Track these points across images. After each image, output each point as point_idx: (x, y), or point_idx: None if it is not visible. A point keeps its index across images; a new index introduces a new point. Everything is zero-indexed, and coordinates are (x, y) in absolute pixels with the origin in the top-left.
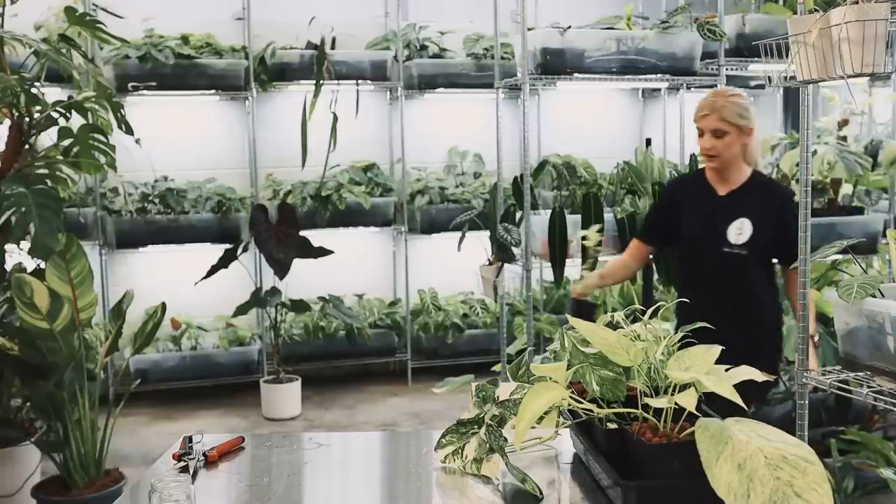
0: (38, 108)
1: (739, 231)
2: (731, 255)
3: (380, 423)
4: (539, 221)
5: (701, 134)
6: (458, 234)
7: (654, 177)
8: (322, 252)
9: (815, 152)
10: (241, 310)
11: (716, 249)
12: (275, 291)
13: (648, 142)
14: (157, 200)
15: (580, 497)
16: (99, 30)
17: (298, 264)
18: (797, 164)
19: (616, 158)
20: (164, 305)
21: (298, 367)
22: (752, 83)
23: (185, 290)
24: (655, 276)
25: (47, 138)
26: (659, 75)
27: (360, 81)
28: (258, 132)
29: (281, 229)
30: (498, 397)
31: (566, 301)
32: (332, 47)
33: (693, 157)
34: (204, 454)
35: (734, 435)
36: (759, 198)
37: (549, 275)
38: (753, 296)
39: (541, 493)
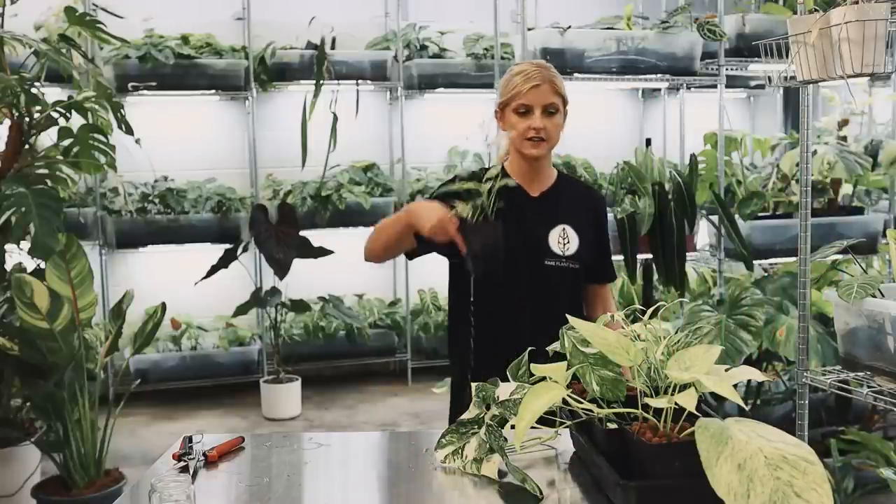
0: (38, 108)
1: (564, 239)
2: (555, 269)
3: (380, 423)
4: None
5: (525, 111)
6: None
7: (654, 177)
8: (322, 252)
9: (815, 152)
10: (241, 310)
11: (535, 263)
12: (275, 291)
13: (648, 142)
14: (157, 200)
15: (580, 497)
16: (99, 30)
17: (298, 264)
18: (797, 164)
19: (616, 158)
20: (164, 305)
21: (298, 367)
22: (752, 83)
23: (185, 290)
24: (655, 276)
25: (47, 138)
26: (659, 75)
27: (360, 81)
28: (258, 132)
29: (281, 229)
30: (498, 397)
31: None
32: (332, 47)
33: (693, 158)
34: (204, 454)
35: (734, 435)
36: (575, 201)
37: None
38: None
39: (541, 493)
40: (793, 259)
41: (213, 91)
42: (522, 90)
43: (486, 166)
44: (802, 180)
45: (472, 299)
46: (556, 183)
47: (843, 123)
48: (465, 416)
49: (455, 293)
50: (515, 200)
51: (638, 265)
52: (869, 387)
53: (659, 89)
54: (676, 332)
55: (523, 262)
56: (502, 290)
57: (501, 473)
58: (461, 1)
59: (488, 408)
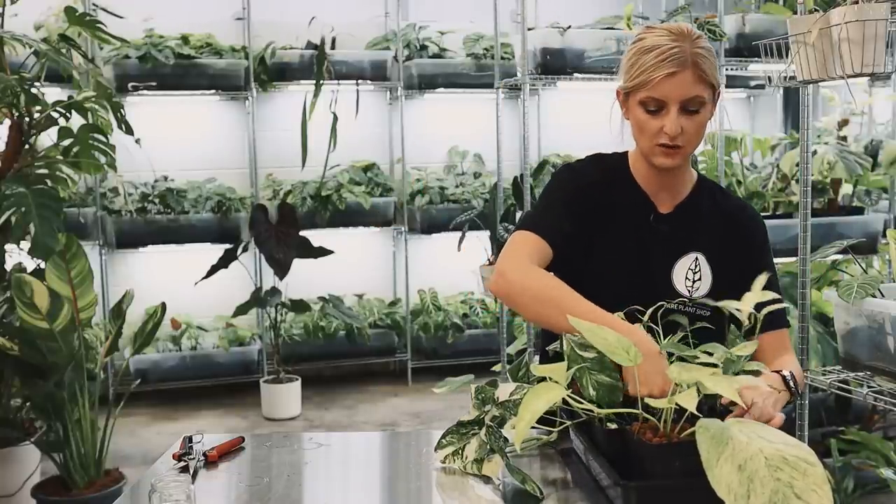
0: (38, 108)
1: (695, 274)
2: (679, 315)
3: (380, 423)
4: None
5: (657, 109)
6: (458, 234)
7: None
8: (322, 252)
9: (815, 152)
10: (241, 310)
11: (648, 303)
12: (275, 291)
13: None
14: (157, 200)
15: (580, 497)
16: (99, 30)
17: (298, 264)
18: (797, 164)
19: None
20: (164, 305)
21: (298, 367)
22: (752, 83)
23: (185, 290)
24: None
25: (47, 138)
26: None
27: (360, 81)
28: (258, 132)
29: (281, 229)
30: (498, 398)
31: None
32: (332, 47)
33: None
34: (204, 454)
35: (735, 436)
36: (716, 219)
37: None
38: None
39: (541, 493)
40: (793, 259)
41: (213, 91)
42: (653, 78)
43: (614, 152)
44: (802, 180)
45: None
46: (695, 192)
47: (843, 123)
48: (465, 416)
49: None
50: (637, 215)
51: None
52: (869, 387)
53: None
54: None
55: (636, 301)
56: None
57: (502, 473)
58: (461, 1)
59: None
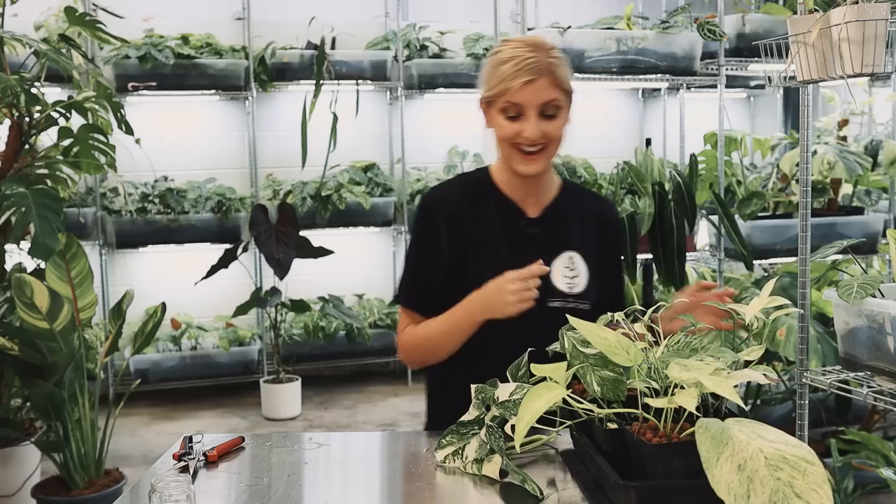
0: (38, 108)
1: (571, 272)
2: (560, 311)
3: (380, 423)
4: None
5: (516, 115)
6: None
7: (654, 177)
8: (322, 252)
9: (815, 152)
10: (241, 310)
11: (536, 304)
12: (275, 291)
13: (648, 142)
14: (157, 200)
15: (580, 497)
16: (99, 30)
17: (298, 264)
18: (797, 164)
19: (616, 158)
20: (164, 305)
21: (298, 367)
22: (752, 83)
23: (185, 290)
24: (655, 276)
25: (47, 138)
26: (659, 75)
27: (360, 81)
28: (258, 132)
29: (281, 229)
30: (498, 398)
31: None
32: (332, 47)
33: (693, 158)
34: (204, 454)
35: (734, 435)
36: (583, 218)
37: None
38: None
39: (541, 493)
40: (793, 259)
41: (213, 91)
42: (512, 86)
43: (479, 168)
44: (802, 180)
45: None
46: (560, 196)
47: (843, 123)
48: (465, 417)
49: None
50: (508, 223)
51: (638, 265)
52: (869, 387)
53: (659, 89)
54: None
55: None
56: (495, 344)
57: (502, 473)
58: (461, 1)
59: (488, 409)
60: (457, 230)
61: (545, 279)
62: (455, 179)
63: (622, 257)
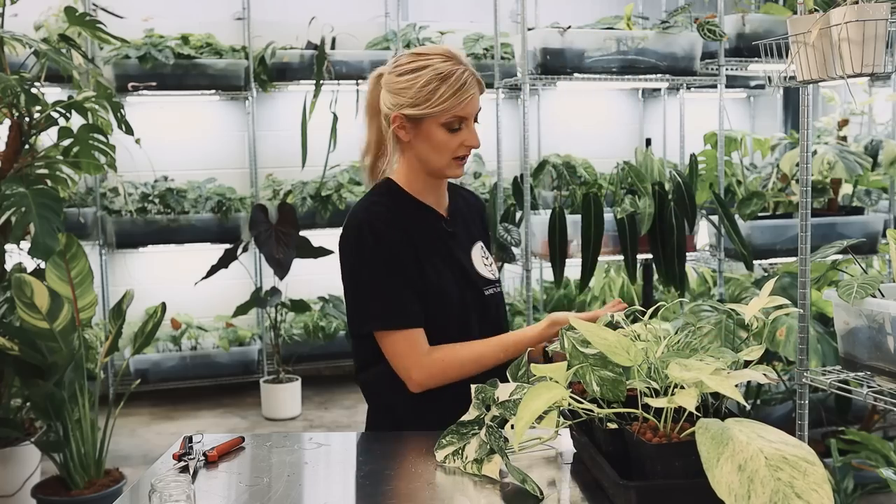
0: (38, 108)
1: (486, 260)
2: (494, 297)
3: None
4: (539, 221)
5: (457, 126)
6: None
7: (654, 177)
8: (322, 252)
9: (815, 152)
10: (241, 310)
11: (477, 297)
12: (275, 291)
13: (648, 142)
14: (157, 200)
15: (580, 497)
16: (99, 30)
17: (298, 264)
18: (797, 164)
19: (616, 158)
20: (164, 305)
21: (298, 367)
22: (752, 83)
23: (185, 290)
24: (655, 276)
25: (47, 138)
26: (659, 75)
27: (359, 81)
28: (258, 132)
29: (281, 229)
30: (498, 398)
31: (566, 301)
32: (332, 47)
33: (693, 158)
34: (204, 454)
35: (735, 436)
36: (469, 211)
37: (549, 275)
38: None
39: (541, 493)
40: (793, 259)
41: (213, 91)
42: (460, 101)
43: (378, 183)
44: (802, 180)
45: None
46: (451, 195)
47: (843, 123)
48: (465, 416)
49: None
50: (434, 225)
51: (638, 265)
52: (869, 387)
53: (659, 89)
54: (676, 332)
55: (470, 297)
56: (441, 336)
57: (502, 473)
58: (461, 1)
59: (488, 409)
60: (405, 243)
61: (475, 271)
62: (374, 197)
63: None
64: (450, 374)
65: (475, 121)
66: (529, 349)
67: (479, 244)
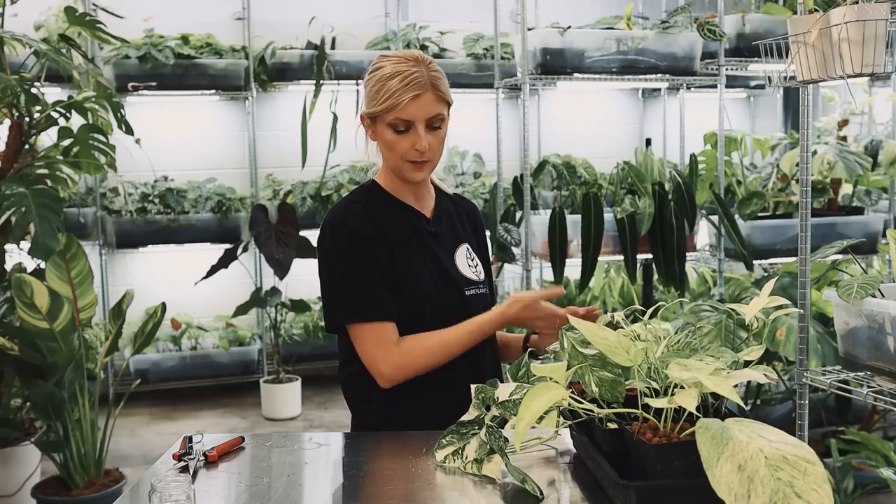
0: (38, 108)
1: (472, 261)
2: (476, 298)
3: None
4: (539, 221)
5: (405, 129)
6: None
7: (654, 177)
8: None
9: (815, 152)
10: (241, 310)
11: (457, 297)
12: (275, 291)
13: (648, 142)
14: (157, 200)
15: (580, 497)
16: (99, 30)
17: (298, 264)
18: (797, 164)
19: (616, 158)
20: (164, 305)
21: (298, 367)
22: (752, 83)
23: (185, 290)
24: (655, 276)
25: (47, 138)
26: (659, 75)
27: (359, 81)
28: (258, 132)
29: (281, 229)
30: (498, 398)
31: (566, 301)
32: (332, 47)
33: (693, 158)
34: (204, 454)
35: (735, 435)
36: (458, 214)
37: (549, 275)
38: (494, 351)
39: (541, 493)
40: (793, 259)
41: (213, 91)
42: (400, 101)
43: (362, 183)
44: (802, 180)
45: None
46: (438, 196)
47: (843, 123)
48: (465, 417)
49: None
50: (414, 225)
51: (638, 265)
52: (869, 387)
53: (659, 89)
54: (676, 332)
55: (448, 297)
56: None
57: (502, 473)
58: (461, 1)
59: (488, 409)
60: (380, 240)
61: (457, 271)
62: (353, 196)
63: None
64: (418, 364)
65: (434, 126)
66: (501, 338)
67: (465, 246)
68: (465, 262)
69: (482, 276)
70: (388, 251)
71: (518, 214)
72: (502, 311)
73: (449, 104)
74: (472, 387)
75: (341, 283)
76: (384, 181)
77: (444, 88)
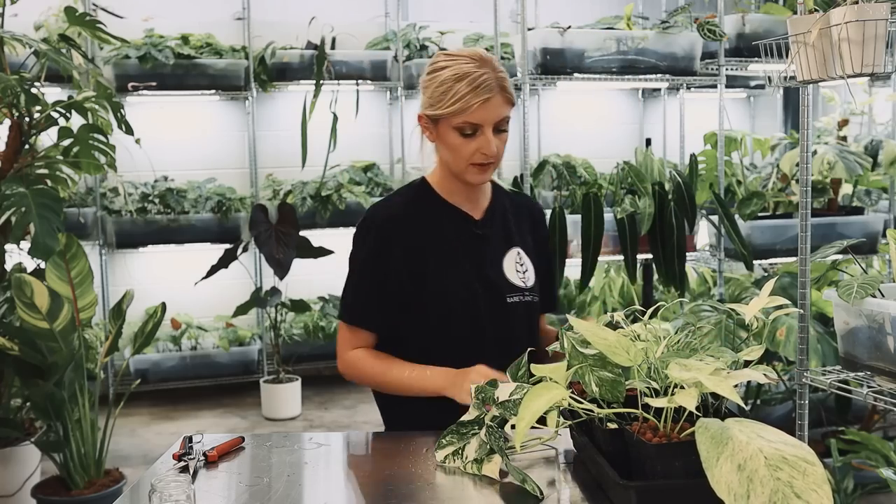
0: (38, 108)
1: (521, 267)
2: (519, 306)
3: (380, 423)
4: None
5: (472, 132)
6: None
7: (654, 177)
8: (322, 252)
9: (815, 152)
10: (241, 310)
11: (496, 303)
12: (275, 291)
13: (648, 142)
14: (157, 200)
15: (580, 497)
16: (99, 30)
17: (298, 264)
18: (797, 164)
19: (616, 158)
20: (164, 305)
21: (298, 367)
22: (752, 83)
23: (185, 290)
24: (655, 276)
25: (47, 138)
26: (659, 75)
27: (360, 81)
28: (258, 132)
29: (281, 229)
30: (498, 398)
31: (566, 301)
32: (332, 47)
33: (693, 158)
34: (204, 454)
35: (734, 435)
36: (517, 217)
37: None
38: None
39: (541, 493)
40: (793, 259)
41: (213, 91)
42: (470, 106)
43: (413, 181)
44: (802, 180)
45: (422, 352)
46: (495, 197)
47: (843, 123)
48: (465, 417)
49: (400, 344)
50: (458, 227)
51: (638, 265)
52: (869, 387)
53: (659, 89)
54: (676, 332)
55: (483, 304)
56: (459, 343)
57: (502, 473)
58: (461, 1)
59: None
60: (411, 242)
61: (501, 276)
62: (396, 194)
63: (551, 254)
64: (356, 377)
65: (501, 129)
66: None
67: (517, 250)
68: (514, 266)
69: (530, 283)
70: (417, 253)
71: None
72: (454, 373)
73: (514, 104)
74: (472, 387)
75: (347, 281)
76: (436, 181)
77: (511, 90)
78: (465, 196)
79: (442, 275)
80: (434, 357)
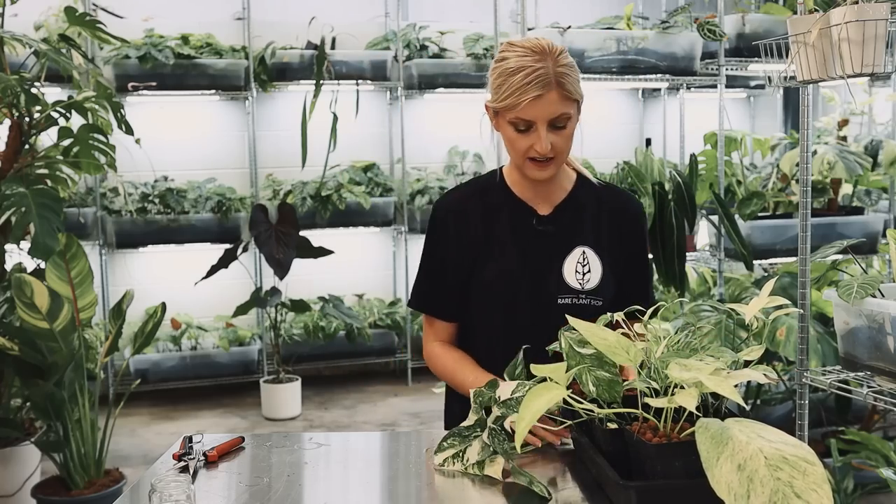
0: (38, 108)
1: (584, 267)
2: (571, 308)
3: (380, 423)
4: None
5: (526, 128)
6: None
7: (654, 177)
8: (322, 252)
9: (815, 152)
10: (241, 310)
11: (545, 302)
12: (275, 291)
13: (648, 142)
14: (157, 200)
15: (580, 497)
16: (99, 30)
17: (298, 264)
18: (797, 164)
19: (616, 158)
20: (164, 305)
21: (298, 367)
22: (752, 83)
23: (185, 290)
24: (655, 276)
25: (47, 138)
26: (659, 75)
27: (360, 81)
28: (258, 132)
29: (281, 229)
30: (499, 398)
31: None
32: (332, 47)
33: (693, 158)
34: (204, 454)
35: (734, 435)
36: (600, 213)
37: None
38: None
39: (549, 494)
40: (793, 259)
41: (213, 91)
42: (521, 101)
43: (493, 170)
44: (802, 180)
45: (486, 342)
46: (575, 191)
47: (843, 123)
48: (465, 423)
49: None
50: (519, 222)
51: None
52: (869, 387)
53: (659, 89)
54: (676, 332)
55: (529, 302)
56: (509, 342)
57: (504, 474)
58: (461, 1)
59: (487, 413)
60: (466, 232)
61: (558, 275)
62: (466, 183)
63: (647, 256)
64: (435, 373)
65: (558, 126)
66: None
67: (583, 249)
68: (574, 266)
69: (590, 285)
70: (470, 244)
71: None
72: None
73: (578, 102)
74: (471, 391)
75: (419, 269)
76: (507, 171)
77: (571, 86)
78: (534, 190)
79: (485, 267)
80: (488, 351)
